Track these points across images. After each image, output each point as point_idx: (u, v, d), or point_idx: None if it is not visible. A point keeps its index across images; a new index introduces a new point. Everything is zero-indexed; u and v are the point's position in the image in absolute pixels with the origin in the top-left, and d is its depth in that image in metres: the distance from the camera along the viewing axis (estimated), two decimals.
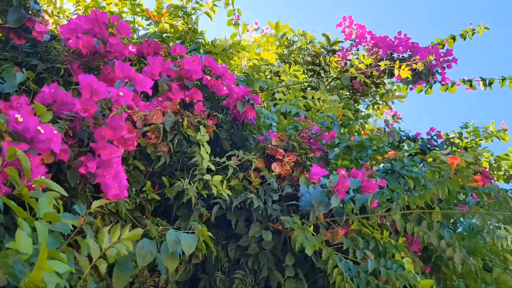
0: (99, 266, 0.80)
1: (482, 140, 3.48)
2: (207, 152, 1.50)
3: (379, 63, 2.95)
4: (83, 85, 1.18)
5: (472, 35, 3.43)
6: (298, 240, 1.37)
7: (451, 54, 3.22)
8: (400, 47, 3.15)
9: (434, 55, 3.07)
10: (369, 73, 3.13)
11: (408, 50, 3.14)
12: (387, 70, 3.07)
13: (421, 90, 3.44)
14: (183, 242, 0.95)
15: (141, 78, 1.46)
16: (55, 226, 0.72)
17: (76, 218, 0.87)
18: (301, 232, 1.40)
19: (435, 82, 3.27)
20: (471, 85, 3.37)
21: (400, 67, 2.63)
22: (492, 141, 3.50)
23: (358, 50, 3.41)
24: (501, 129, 3.46)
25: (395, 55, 3.21)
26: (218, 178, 1.48)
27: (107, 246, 0.82)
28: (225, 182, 1.51)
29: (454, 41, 3.47)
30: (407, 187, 1.61)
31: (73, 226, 0.83)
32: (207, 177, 1.46)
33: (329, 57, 3.05)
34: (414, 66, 2.88)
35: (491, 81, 3.28)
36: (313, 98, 2.00)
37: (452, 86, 3.38)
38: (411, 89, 3.45)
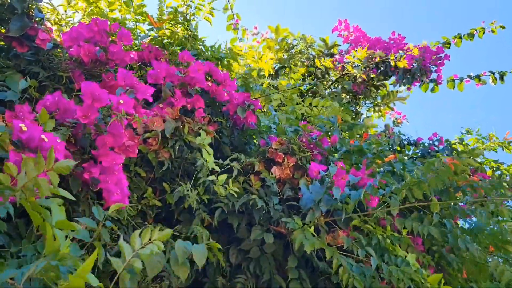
0: (134, 265, 0.82)
1: (485, 149, 3.41)
2: (209, 154, 1.52)
3: (375, 60, 2.96)
4: (85, 92, 1.20)
5: (483, 34, 3.32)
6: (297, 239, 1.39)
7: (442, 51, 3.21)
8: (393, 47, 3.17)
9: (424, 52, 3.07)
10: (367, 75, 3.16)
11: (399, 51, 3.16)
12: (382, 71, 3.08)
13: (427, 89, 3.40)
14: (195, 253, 0.95)
15: (143, 86, 1.48)
16: (77, 233, 0.73)
17: (94, 224, 0.90)
18: (301, 232, 1.42)
19: (430, 81, 3.25)
20: (480, 80, 3.28)
21: (395, 58, 2.62)
22: (495, 151, 3.41)
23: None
24: (505, 140, 3.38)
25: (390, 56, 3.23)
26: (223, 177, 1.50)
27: (139, 247, 0.85)
28: (231, 180, 1.53)
29: (461, 40, 3.38)
30: (403, 181, 1.62)
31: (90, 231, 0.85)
32: (212, 177, 1.48)
33: (327, 60, 3.07)
34: (409, 53, 2.88)
35: (503, 74, 3.17)
36: (310, 104, 2.02)
37: (460, 83, 3.32)
38: (408, 89, 3.44)
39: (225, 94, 1.75)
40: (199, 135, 1.54)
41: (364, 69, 3.07)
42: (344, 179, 1.51)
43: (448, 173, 1.45)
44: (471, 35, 3.38)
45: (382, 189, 1.50)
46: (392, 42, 3.23)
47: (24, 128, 0.95)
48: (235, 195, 1.50)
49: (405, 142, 3.16)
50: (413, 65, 3.06)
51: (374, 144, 1.94)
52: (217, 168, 1.52)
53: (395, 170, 1.82)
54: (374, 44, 3.30)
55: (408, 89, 3.41)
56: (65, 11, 2.18)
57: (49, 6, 2.05)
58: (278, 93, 2.24)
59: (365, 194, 1.43)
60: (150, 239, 0.87)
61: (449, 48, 3.43)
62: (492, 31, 3.31)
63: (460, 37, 3.40)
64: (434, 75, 3.28)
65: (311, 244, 1.38)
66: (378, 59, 2.83)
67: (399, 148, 3.03)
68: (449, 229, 1.59)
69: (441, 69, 3.23)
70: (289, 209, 1.63)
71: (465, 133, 3.44)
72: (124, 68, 1.51)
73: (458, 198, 1.70)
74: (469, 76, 3.31)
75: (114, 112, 1.22)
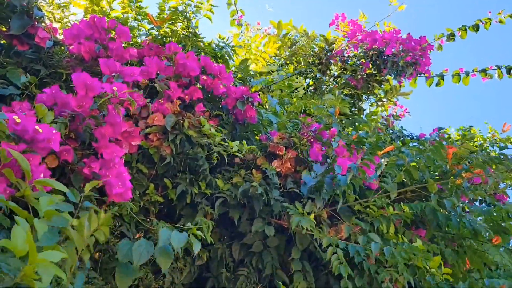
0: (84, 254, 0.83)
1: (489, 147, 3.38)
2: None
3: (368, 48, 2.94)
4: (77, 83, 1.20)
5: (489, 25, 3.21)
6: (294, 221, 1.39)
7: (425, 41, 3.13)
8: (377, 42, 3.13)
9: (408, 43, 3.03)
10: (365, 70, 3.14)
11: (384, 44, 3.11)
12: (376, 64, 3.06)
13: (431, 84, 3.36)
14: (173, 237, 0.98)
15: (128, 69, 1.47)
16: (51, 221, 0.73)
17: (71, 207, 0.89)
18: (299, 215, 1.42)
19: (419, 73, 3.20)
20: (486, 74, 3.22)
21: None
22: (499, 148, 3.38)
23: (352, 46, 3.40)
24: (502, 132, 3.33)
25: (383, 51, 3.19)
26: (235, 143, 1.56)
27: (89, 234, 0.86)
28: (245, 142, 1.58)
29: (466, 32, 3.28)
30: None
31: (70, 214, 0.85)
32: (225, 143, 1.55)
33: (329, 57, 3.06)
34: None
35: (510, 68, 3.07)
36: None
37: (466, 77, 3.27)
38: (399, 82, 3.38)
39: (221, 87, 1.75)
40: (200, 129, 1.54)
41: (357, 64, 3.05)
42: (345, 157, 1.51)
43: (441, 152, 1.45)
44: (476, 27, 3.26)
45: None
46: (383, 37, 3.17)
47: (18, 120, 0.95)
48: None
49: (408, 137, 3.13)
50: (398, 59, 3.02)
51: (373, 135, 1.93)
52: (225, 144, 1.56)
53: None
54: (366, 37, 3.23)
55: (399, 82, 3.35)
56: (67, 8, 2.19)
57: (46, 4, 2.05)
58: (277, 82, 2.24)
59: (353, 179, 1.43)
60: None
61: (453, 40, 3.35)
62: (500, 21, 3.19)
63: (465, 29, 3.29)
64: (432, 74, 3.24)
65: (308, 222, 1.38)
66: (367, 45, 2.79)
67: (400, 144, 3.01)
68: (449, 210, 1.59)
69: (430, 61, 3.16)
70: (291, 201, 1.62)
71: (468, 130, 3.42)
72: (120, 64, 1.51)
73: (458, 184, 1.71)
74: (475, 70, 3.25)
75: (111, 101, 1.22)
